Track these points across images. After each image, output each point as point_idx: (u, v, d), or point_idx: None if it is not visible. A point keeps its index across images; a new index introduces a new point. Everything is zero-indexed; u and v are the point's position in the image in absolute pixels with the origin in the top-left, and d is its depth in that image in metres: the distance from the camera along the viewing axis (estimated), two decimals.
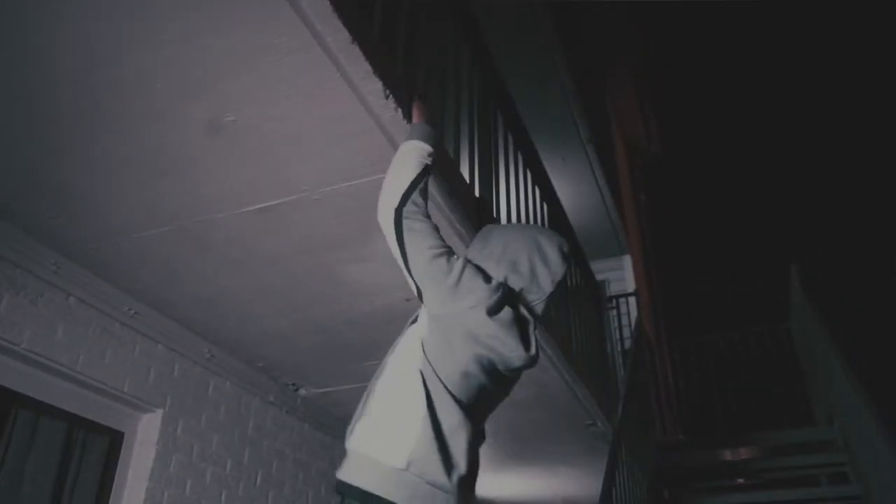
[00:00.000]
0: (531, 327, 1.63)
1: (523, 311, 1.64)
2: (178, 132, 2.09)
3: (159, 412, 3.11)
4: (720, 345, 6.36)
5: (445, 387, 1.53)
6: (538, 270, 1.67)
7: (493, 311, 1.54)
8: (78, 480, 2.87)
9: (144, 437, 3.09)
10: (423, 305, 1.66)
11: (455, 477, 1.49)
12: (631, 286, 7.21)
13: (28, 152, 2.19)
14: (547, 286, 1.69)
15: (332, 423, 4.32)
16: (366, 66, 1.87)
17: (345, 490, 1.53)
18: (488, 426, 4.76)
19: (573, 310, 4.41)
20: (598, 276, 6.03)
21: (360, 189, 2.30)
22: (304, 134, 2.08)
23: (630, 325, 6.33)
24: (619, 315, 6.61)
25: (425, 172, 1.75)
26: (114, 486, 2.97)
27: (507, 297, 1.60)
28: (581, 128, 5.98)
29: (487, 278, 1.61)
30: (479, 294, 1.54)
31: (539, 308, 1.69)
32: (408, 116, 2.03)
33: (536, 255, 1.69)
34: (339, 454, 1.64)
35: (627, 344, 6.09)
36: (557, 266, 1.70)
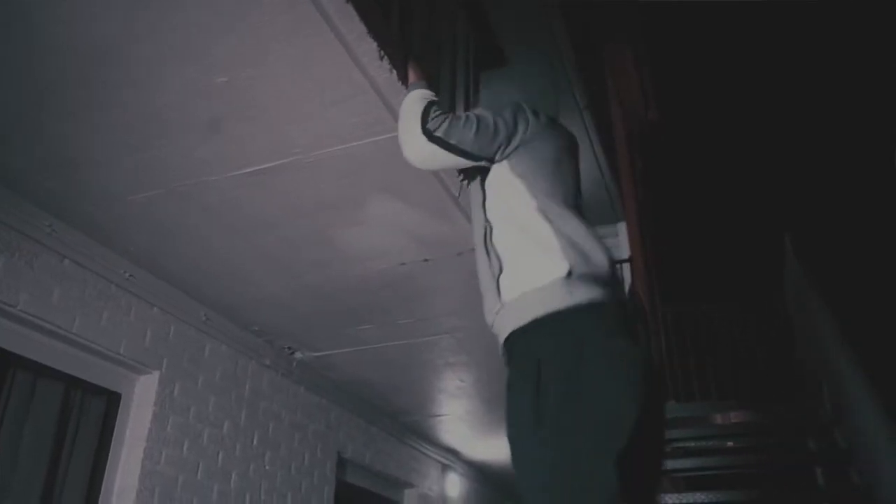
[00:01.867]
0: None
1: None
2: (172, 94, 2.07)
3: (156, 374, 3.14)
4: (713, 313, 6.41)
5: (553, 199, 1.63)
6: (545, 95, 1.95)
7: (536, 115, 1.74)
8: (76, 441, 2.90)
9: (141, 398, 3.12)
10: (489, 175, 1.72)
11: (598, 260, 1.55)
12: (626, 253, 7.22)
13: (21, 116, 2.17)
14: (554, 108, 1.98)
15: (328, 386, 4.37)
16: (360, 27, 1.86)
17: (525, 332, 1.50)
18: (483, 392, 4.80)
19: None
20: None
21: (355, 152, 2.30)
22: (297, 96, 2.07)
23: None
24: None
25: (433, 103, 1.75)
26: (111, 447, 3.00)
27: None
28: (578, 93, 5.94)
29: (506, 104, 1.76)
30: (520, 114, 1.71)
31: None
32: (403, 78, 2.01)
33: (539, 84, 2.01)
34: (493, 318, 1.59)
35: None
36: (556, 92, 2.08)
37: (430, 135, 1.64)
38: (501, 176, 1.69)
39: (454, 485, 6.10)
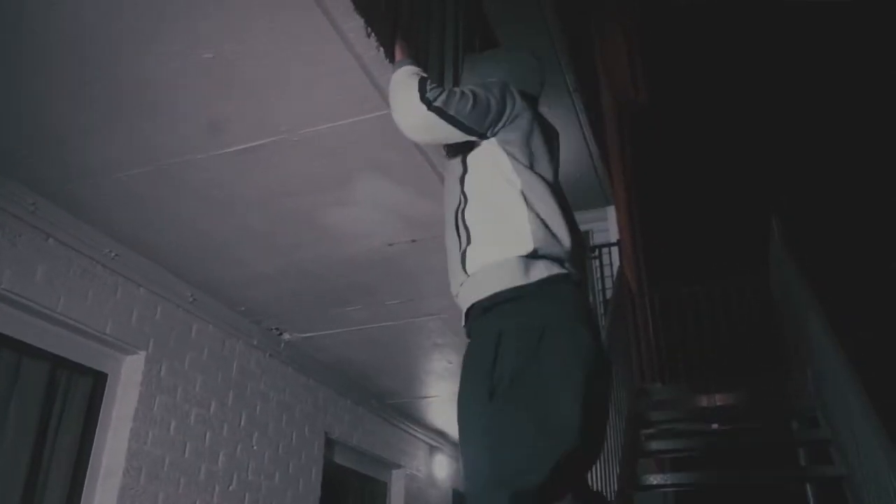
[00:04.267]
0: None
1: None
2: (156, 70, 2.04)
3: (142, 354, 3.13)
4: (700, 295, 6.45)
5: (536, 172, 1.66)
6: (529, 77, 1.97)
7: (522, 96, 1.77)
8: (62, 421, 2.89)
9: (128, 378, 3.11)
10: (479, 147, 1.73)
11: (564, 240, 1.59)
12: (614, 236, 7.25)
13: (4, 94, 2.14)
14: (538, 88, 1.99)
15: (316, 366, 4.37)
16: (347, 2, 1.84)
17: (488, 304, 1.54)
18: None
19: None
20: (583, 227, 6.05)
21: (342, 131, 2.28)
22: (283, 73, 2.05)
23: (612, 274, 6.39)
24: (601, 265, 6.67)
25: (425, 80, 1.73)
26: (98, 427, 3.00)
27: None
28: (568, 76, 5.92)
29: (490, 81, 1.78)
30: (507, 92, 1.73)
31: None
32: (390, 56, 2.00)
33: (524, 65, 1.99)
34: (456, 288, 1.64)
35: (609, 293, 6.16)
36: (541, 72, 2.04)
37: (429, 104, 1.62)
38: (489, 152, 1.70)
39: (442, 466, 6.14)
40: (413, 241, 3.00)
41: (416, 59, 1.97)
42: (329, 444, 4.55)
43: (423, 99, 1.62)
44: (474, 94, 1.67)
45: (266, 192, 2.65)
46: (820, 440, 4.47)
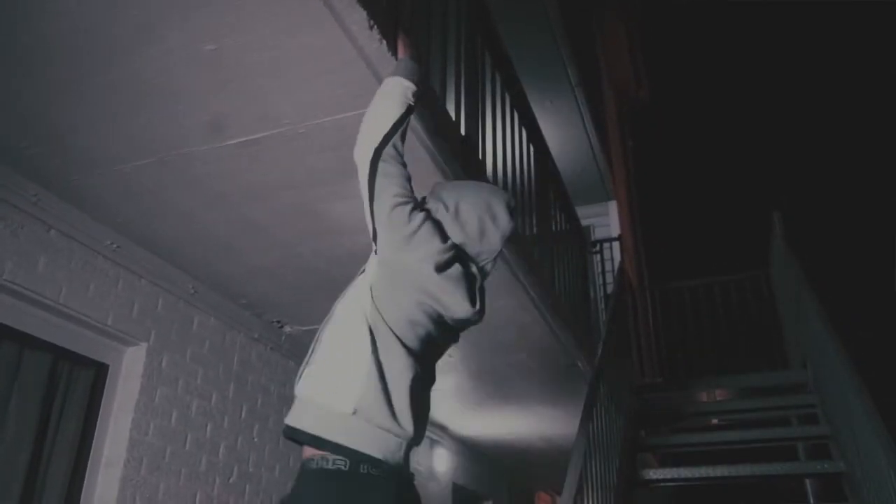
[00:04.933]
0: (478, 284, 1.68)
1: (473, 268, 1.69)
2: (157, 62, 2.04)
3: (143, 346, 3.14)
4: (700, 290, 6.45)
5: (392, 331, 1.55)
6: (488, 230, 1.71)
7: (441, 268, 1.58)
8: (64, 411, 2.91)
9: (129, 370, 3.12)
10: (372, 254, 1.67)
11: (403, 420, 1.51)
12: (615, 231, 7.26)
13: (5, 86, 2.14)
14: (496, 245, 1.72)
15: None
16: None
17: (294, 435, 1.55)
18: (470, 367, 4.83)
19: (557, 253, 4.45)
20: (584, 222, 6.06)
21: (344, 124, 2.28)
22: (285, 65, 2.05)
23: (613, 269, 6.39)
24: (602, 260, 6.67)
25: (408, 113, 1.73)
26: (99, 417, 3.01)
27: (458, 256, 1.64)
28: (570, 71, 5.92)
29: (444, 237, 1.64)
30: (430, 248, 1.58)
31: (488, 267, 1.74)
32: (392, 49, 2.00)
33: (487, 215, 1.71)
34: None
35: (610, 288, 6.17)
36: (505, 225, 1.73)
37: (375, 158, 1.62)
38: (364, 280, 1.64)
39: (442, 460, 6.15)
40: None
41: (418, 54, 1.97)
42: None
43: (377, 150, 1.62)
44: (400, 197, 1.60)
45: (267, 185, 2.65)
46: (819, 436, 4.49)
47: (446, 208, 1.71)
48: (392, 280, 1.59)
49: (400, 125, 1.69)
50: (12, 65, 2.07)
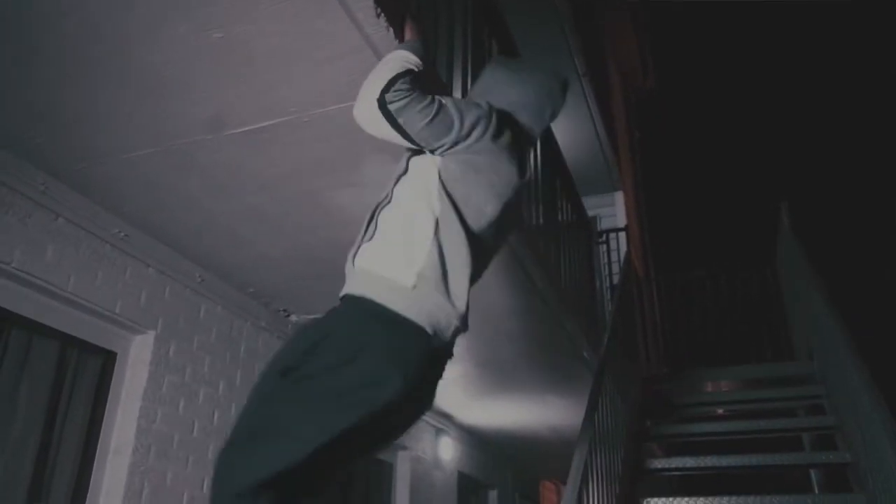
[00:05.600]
0: (529, 150, 1.86)
1: (521, 137, 1.82)
2: (164, 51, 2.04)
3: (151, 334, 3.15)
4: (706, 281, 6.44)
5: (461, 218, 1.62)
6: (543, 106, 1.89)
7: (495, 136, 1.69)
8: (72, 399, 2.93)
9: (137, 357, 3.14)
10: (423, 156, 1.73)
11: (457, 300, 1.58)
12: (622, 222, 7.24)
13: (14, 75, 2.15)
14: (547, 120, 1.92)
15: None
16: None
17: (353, 302, 1.57)
18: (477, 356, 4.84)
19: (563, 243, 4.44)
20: (590, 212, 6.05)
21: (351, 112, 2.27)
22: (293, 53, 2.05)
23: (619, 260, 6.39)
24: (608, 250, 6.67)
25: (406, 73, 1.68)
26: (108, 405, 3.03)
27: (507, 122, 1.76)
28: (577, 60, 5.89)
29: (478, 106, 1.72)
30: (481, 125, 1.67)
31: (536, 133, 1.90)
32: (400, 37, 1.99)
33: (543, 92, 1.89)
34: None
35: (616, 279, 6.16)
36: (559, 103, 1.93)
37: (382, 105, 1.62)
38: (427, 168, 1.69)
39: (447, 448, 6.18)
40: None
41: (425, 41, 1.96)
42: None
43: (380, 98, 1.62)
44: (438, 111, 1.64)
45: (275, 174, 2.65)
46: (825, 427, 4.48)
47: (501, 85, 1.86)
48: (461, 167, 1.67)
49: (397, 79, 1.64)
50: (22, 55, 2.07)
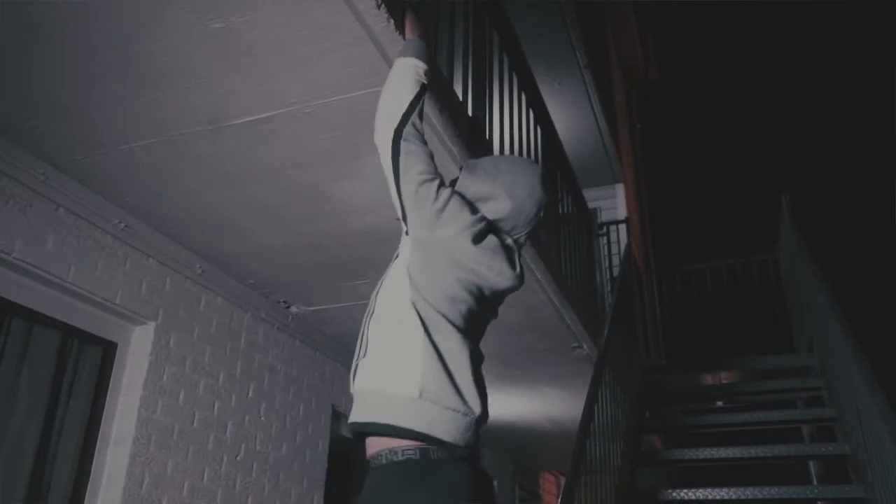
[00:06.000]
0: (516, 255, 1.68)
1: (508, 240, 1.68)
2: (165, 40, 2.04)
3: (152, 324, 3.16)
4: (707, 273, 6.44)
5: (437, 311, 1.52)
6: (525, 204, 1.70)
7: (477, 240, 1.57)
8: (73, 388, 2.93)
9: (137, 348, 3.15)
10: (404, 237, 1.65)
11: (469, 398, 1.49)
12: (622, 214, 7.23)
13: (10, 62, 2.14)
14: (531, 218, 1.73)
15: (323, 340, 4.40)
16: None
17: (363, 429, 1.50)
18: None
19: (564, 236, 4.44)
20: (591, 204, 6.05)
21: (352, 103, 2.27)
22: (293, 44, 2.04)
23: (619, 252, 6.39)
24: (609, 242, 6.67)
25: (423, 92, 1.72)
26: (108, 395, 3.04)
27: (491, 227, 1.64)
28: (578, 52, 5.87)
29: (474, 210, 1.63)
30: (463, 221, 1.56)
31: (522, 239, 1.74)
32: (400, 28, 1.98)
33: (524, 190, 1.71)
34: (344, 395, 1.60)
35: (616, 271, 6.16)
36: (540, 198, 1.74)
37: (397, 137, 1.60)
38: (403, 262, 1.59)
39: None
40: None
41: (426, 34, 1.96)
42: (336, 416, 4.59)
43: (396, 130, 1.60)
44: (425, 175, 1.57)
45: (275, 165, 2.65)
46: (825, 419, 4.49)
47: (481, 183, 1.70)
48: (428, 259, 1.57)
49: (416, 104, 1.67)
50: (22, 45, 2.06)
